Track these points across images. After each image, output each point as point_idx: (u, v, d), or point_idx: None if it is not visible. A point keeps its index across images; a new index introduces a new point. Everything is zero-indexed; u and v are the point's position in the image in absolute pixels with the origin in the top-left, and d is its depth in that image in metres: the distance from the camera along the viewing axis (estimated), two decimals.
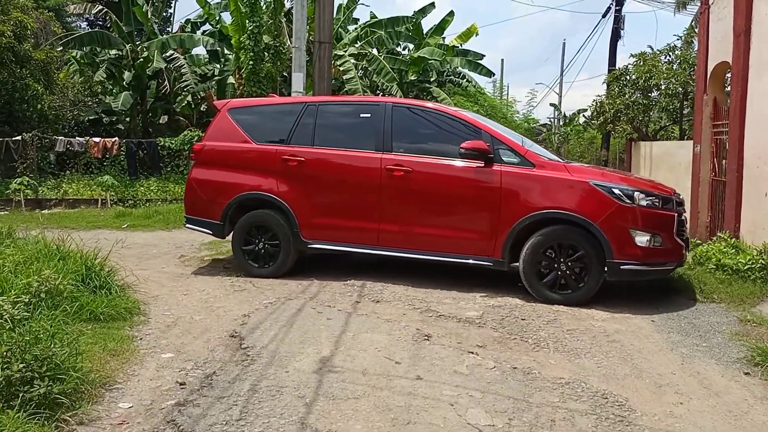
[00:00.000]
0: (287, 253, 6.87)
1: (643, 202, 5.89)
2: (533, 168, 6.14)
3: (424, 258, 6.51)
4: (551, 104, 43.19)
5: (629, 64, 14.00)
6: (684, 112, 13.55)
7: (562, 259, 5.98)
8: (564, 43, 58.06)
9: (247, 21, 16.08)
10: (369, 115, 6.84)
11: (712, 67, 8.45)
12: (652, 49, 13.50)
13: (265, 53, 16.44)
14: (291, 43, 13.65)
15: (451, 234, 6.35)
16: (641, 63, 13.40)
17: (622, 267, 5.82)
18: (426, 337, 4.80)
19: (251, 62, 16.01)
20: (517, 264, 6.15)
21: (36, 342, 3.45)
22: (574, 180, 6.01)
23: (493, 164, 6.21)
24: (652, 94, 13.16)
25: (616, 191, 5.88)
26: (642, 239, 5.83)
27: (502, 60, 58.15)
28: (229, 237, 7.24)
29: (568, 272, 5.99)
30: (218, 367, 4.12)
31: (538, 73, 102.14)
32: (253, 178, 7.00)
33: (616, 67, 19.61)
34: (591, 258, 5.88)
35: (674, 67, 12.78)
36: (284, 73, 18.30)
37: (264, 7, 16.68)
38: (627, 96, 13.23)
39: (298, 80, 12.05)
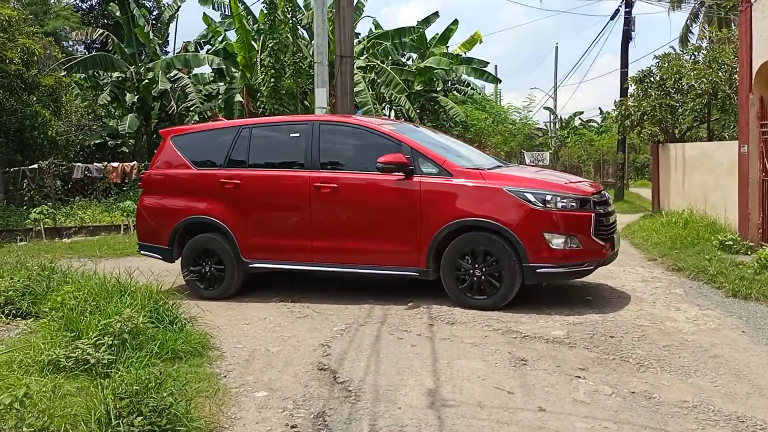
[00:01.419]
0: (232, 274, 6.96)
1: (559, 205, 5.90)
2: (450, 177, 6.20)
3: (355, 272, 6.67)
4: (546, 107, 43.27)
5: (652, 65, 13.91)
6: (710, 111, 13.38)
7: (477, 265, 6.05)
8: (557, 48, 58.07)
9: (266, 38, 15.88)
10: (298, 134, 6.91)
11: (757, 65, 8.30)
12: (674, 50, 13.45)
13: (285, 70, 16.21)
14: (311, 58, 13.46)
15: (378, 247, 6.45)
16: (666, 64, 13.26)
17: (538, 270, 5.88)
18: (523, 362, 4.58)
19: (272, 79, 15.77)
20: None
21: (146, 391, 3.21)
22: (488, 187, 6.09)
23: (413, 176, 6.28)
24: (677, 96, 12.99)
25: (529, 196, 5.92)
26: (558, 241, 5.86)
27: (496, 66, 58.49)
28: None
29: (483, 278, 6.03)
30: (322, 405, 3.88)
31: (526, 78, 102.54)
32: (195, 203, 7.13)
33: (628, 69, 19.60)
34: (505, 263, 5.93)
35: (701, 66, 12.60)
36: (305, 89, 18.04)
37: (281, 25, 16.46)
38: (653, 98, 13.07)
39: (321, 96, 11.83)
